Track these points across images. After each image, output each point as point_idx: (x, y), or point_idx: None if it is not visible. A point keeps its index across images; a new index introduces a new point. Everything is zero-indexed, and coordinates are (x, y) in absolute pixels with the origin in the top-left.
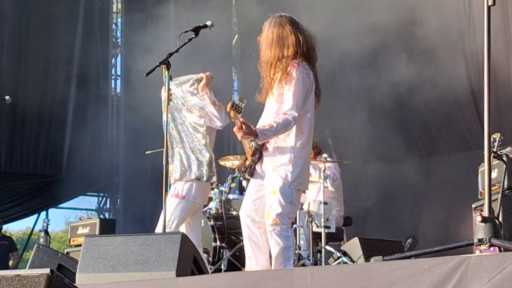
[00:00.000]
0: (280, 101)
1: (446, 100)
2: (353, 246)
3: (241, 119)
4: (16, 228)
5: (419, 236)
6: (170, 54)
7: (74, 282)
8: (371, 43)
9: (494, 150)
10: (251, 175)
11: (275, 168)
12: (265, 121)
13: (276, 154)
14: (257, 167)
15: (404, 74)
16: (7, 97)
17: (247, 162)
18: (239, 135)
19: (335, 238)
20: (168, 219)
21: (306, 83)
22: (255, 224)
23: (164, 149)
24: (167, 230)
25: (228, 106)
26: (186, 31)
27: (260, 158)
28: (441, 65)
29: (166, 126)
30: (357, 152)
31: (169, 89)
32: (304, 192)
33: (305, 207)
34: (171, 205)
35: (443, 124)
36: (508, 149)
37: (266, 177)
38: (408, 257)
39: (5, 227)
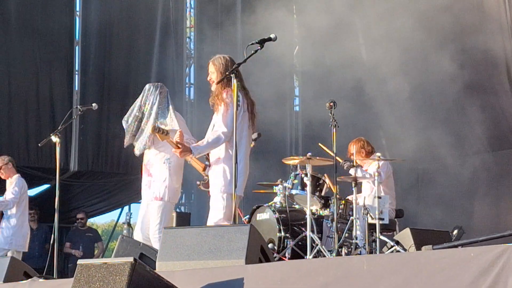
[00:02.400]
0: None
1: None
2: (405, 236)
3: (174, 140)
4: (102, 221)
5: (466, 227)
6: (239, 64)
7: (155, 269)
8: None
9: None
10: (207, 187)
11: None
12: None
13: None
14: None
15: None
16: (94, 104)
17: (204, 178)
18: (178, 154)
19: (388, 229)
20: None
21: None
22: None
23: (234, 149)
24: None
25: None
26: (252, 43)
27: None
28: None
29: (235, 129)
30: (409, 150)
31: (237, 96)
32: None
33: (360, 201)
34: None
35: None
36: None
37: None
38: (456, 246)
39: (92, 220)
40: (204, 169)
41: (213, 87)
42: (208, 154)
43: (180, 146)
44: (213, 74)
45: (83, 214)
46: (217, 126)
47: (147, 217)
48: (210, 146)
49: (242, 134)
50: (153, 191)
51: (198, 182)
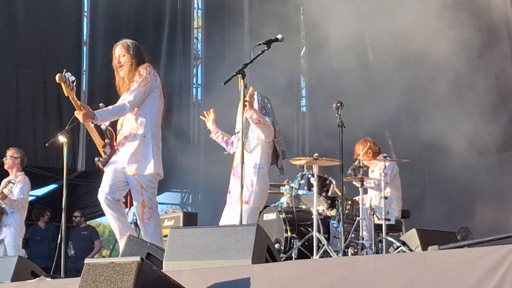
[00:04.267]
0: None
1: None
2: (411, 236)
3: (79, 102)
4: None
5: (472, 228)
6: (245, 65)
7: (161, 269)
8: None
9: None
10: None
11: None
12: None
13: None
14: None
15: None
16: (101, 104)
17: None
18: (80, 117)
19: (394, 229)
20: None
21: None
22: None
23: (240, 150)
24: None
25: (57, 77)
26: (259, 44)
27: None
28: None
29: (242, 130)
30: (414, 152)
31: (244, 96)
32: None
33: (367, 202)
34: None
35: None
36: None
37: None
38: (462, 246)
39: (99, 220)
40: (104, 146)
41: (124, 71)
42: None
43: (83, 108)
44: (123, 57)
45: (78, 213)
46: (126, 95)
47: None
48: (114, 114)
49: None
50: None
51: (96, 159)
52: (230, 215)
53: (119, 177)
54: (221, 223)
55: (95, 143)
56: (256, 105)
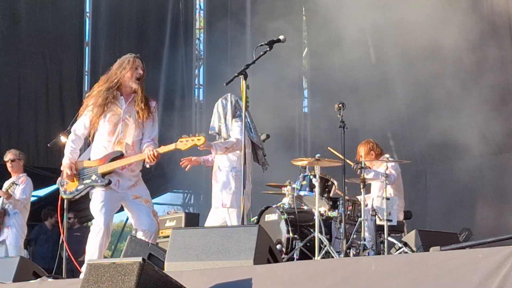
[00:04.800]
0: None
1: None
2: (413, 237)
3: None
4: None
5: (473, 229)
6: (247, 66)
7: (163, 270)
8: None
9: None
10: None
11: None
12: None
13: None
14: None
15: None
16: None
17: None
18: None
19: (396, 230)
20: None
21: None
22: None
23: (242, 151)
24: None
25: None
26: (262, 45)
27: None
28: None
29: (243, 129)
30: (416, 152)
31: (246, 97)
32: None
33: (369, 203)
34: None
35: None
36: None
37: None
38: (464, 248)
39: None
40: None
41: (140, 86)
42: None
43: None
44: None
45: (71, 214)
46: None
47: None
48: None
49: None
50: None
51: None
52: (213, 218)
53: None
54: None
55: (113, 167)
56: (229, 107)
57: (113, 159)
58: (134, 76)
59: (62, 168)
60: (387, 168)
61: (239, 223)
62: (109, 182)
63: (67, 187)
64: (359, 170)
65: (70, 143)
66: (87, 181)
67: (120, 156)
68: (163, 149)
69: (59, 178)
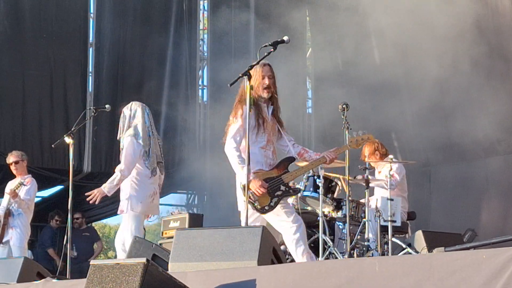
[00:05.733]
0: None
1: None
2: (417, 238)
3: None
4: (114, 222)
5: (478, 229)
6: (251, 66)
7: (167, 270)
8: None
9: None
10: None
11: None
12: None
13: None
14: None
15: None
16: (107, 106)
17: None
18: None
19: (400, 231)
20: None
21: None
22: None
23: (246, 151)
24: None
25: None
26: (265, 46)
27: None
28: None
29: (248, 131)
30: (420, 153)
31: (250, 98)
32: None
33: (372, 204)
34: None
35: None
36: None
37: None
38: (468, 248)
39: (105, 221)
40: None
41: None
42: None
43: None
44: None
45: (79, 214)
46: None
47: None
48: None
49: None
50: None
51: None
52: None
53: None
54: None
55: (297, 174)
56: (127, 117)
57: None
58: (261, 86)
59: (252, 188)
60: (390, 169)
61: (132, 225)
62: (299, 190)
63: (260, 203)
64: (363, 171)
65: (237, 158)
66: (278, 192)
67: (292, 160)
68: (339, 150)
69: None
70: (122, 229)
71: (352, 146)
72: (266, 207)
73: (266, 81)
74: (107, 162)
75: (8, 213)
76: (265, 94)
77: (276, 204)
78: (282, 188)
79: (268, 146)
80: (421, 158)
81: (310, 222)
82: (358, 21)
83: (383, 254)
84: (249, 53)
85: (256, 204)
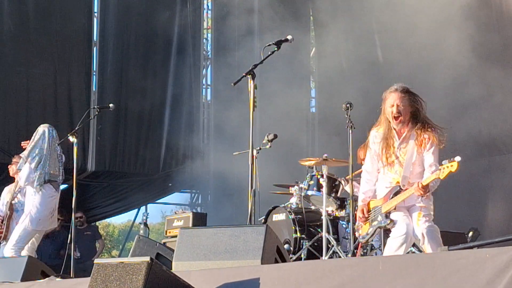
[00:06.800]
0: None
1: None
2: None
3: None
4: (118, 221)
5: (481, 228)
6: (255, 65)
7: (171, 269)
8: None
9: None
10: None
11: None
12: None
13: None
14: None
15: None
16: (111, 105)
17: None
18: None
19: None
20: None
21: None
22: None
23: (250, 150)
24: None
25: None
26: (269, 45)
27: None
28: None
29: (252, 131)
30: None
31: (254, 96)
32: None
33: None
34: None
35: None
36: None
37: None
38: (471, 247)
39: (108, 220)
40: None
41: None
42: None
43: None
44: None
45: (81, 213)
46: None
47: None
48: None
49: None
50: None
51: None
52: None
53: None
54: None
55: (393, 204)
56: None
57: (394, 195)
58: (391, 116)
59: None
60: None
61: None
62: (391, 222)
63: (362, 231)
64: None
65: (364, 183)
66: (375, 222)
67: (399, 191)
68: (427, 180)
69: (357, 223)
70: None
71: (439, 176)
72: (362, 237)
73: (394, 110)
74: (111, 161)
75: (11, 215)
76: (395, 125)
77: (371, 235)
78: (379, 218)
79: (393, 174)
80: None
81: (314, 221)
82: (361, 19)
83: None
84: (253, 52)
85: (358, 233)
